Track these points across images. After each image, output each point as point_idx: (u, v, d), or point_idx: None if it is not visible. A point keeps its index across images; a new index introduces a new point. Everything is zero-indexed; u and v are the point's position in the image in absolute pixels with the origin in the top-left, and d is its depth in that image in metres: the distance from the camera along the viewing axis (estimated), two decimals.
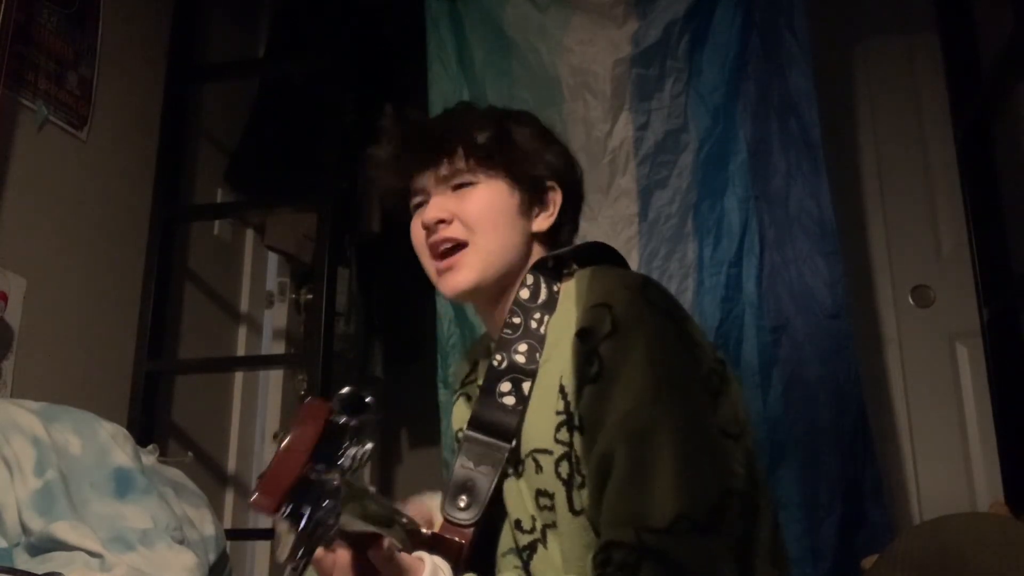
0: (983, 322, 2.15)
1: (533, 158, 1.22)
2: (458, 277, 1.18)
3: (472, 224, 1.18)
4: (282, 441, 0.76)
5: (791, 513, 1.93)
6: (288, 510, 0.73)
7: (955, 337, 2.70)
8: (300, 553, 0.73)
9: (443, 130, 1.21)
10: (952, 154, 2.33)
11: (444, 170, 1.19)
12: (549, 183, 1.23)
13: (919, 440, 2.68)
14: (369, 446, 0.79)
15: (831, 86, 2.67)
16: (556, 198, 1.24)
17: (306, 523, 0.72)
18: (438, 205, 1.18)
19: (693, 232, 2.13)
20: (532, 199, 1.22)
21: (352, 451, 0.77)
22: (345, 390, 0.80)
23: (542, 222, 1.23)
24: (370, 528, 0.89)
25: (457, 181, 1.19)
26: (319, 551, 0.96)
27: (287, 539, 0.74)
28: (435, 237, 1.18)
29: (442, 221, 1.18)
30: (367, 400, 0.79)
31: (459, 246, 1.18)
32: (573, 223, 1.29)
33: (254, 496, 0.73)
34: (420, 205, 1.22)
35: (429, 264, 1.21)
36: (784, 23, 2.20)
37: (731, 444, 1.07)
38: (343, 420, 0.78)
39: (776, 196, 2.13)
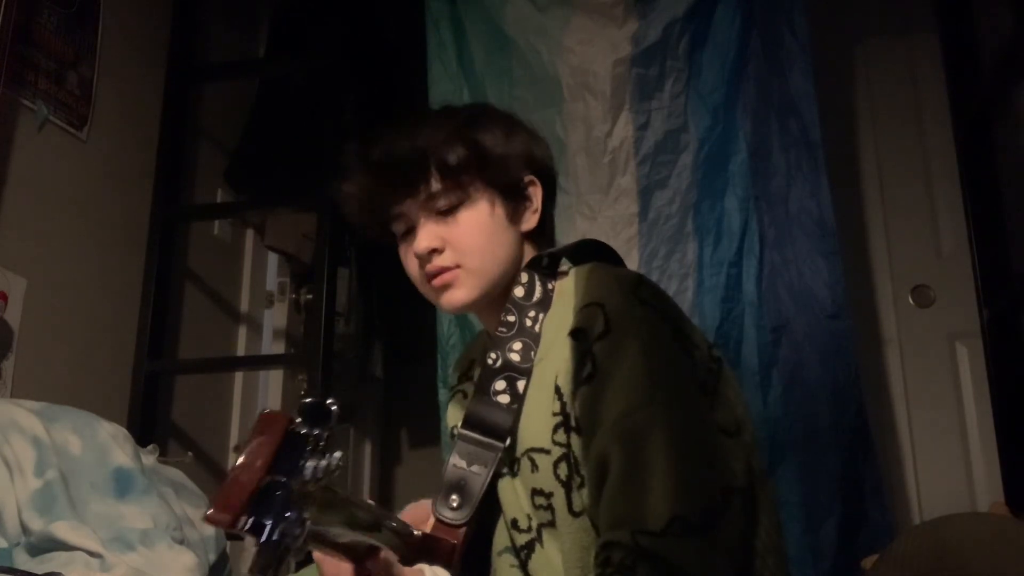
0: (983, 322, 2.16)
1: (507, 161, 1.19)
2: (456, 295, 1.17)
3: (464, 249, 1.16)
4: (240, 453, 0.75)
5: (791, 513, 1.93)
6: (249, 523, 0.72)
7: (955, 337, 2.70)
8: (264, 565, 0.72)
9: (412, 156, 1.16)
10: (952, 154, 2.33)
11: (423, 195, 1.16)
12: (527, 179, 1.21)
13: (919, 440, 2.68)
14: (338, 455, 0.78)
15: (831, 86, 2.67)
16: (537, 191, 1.22)
17: (268, 534, 0.71)
18: (428, 233, 1.16)
19: (693, 232, 2.13)
20: (517, 203, 1.20)
21: (315, 461, 0.75)
22: (308, 399, 0.79)
23: (529, 220, 1.21)
24: (357, 535, 0.89)
25: (439, 204, 1.16)
26: (319, 555, 0.96)
27: (251, 552, 0.73)
28: (430, 267, 1.16)
29: (434, 250, 1.16)
30: (331, 408, 0.78)
31: (452, 270, 1.17)
32: (553, 206, 1.27)
33: (209, 512, 0.72)
34: (406, 231, 1.19)
35: (427, 290, 1.20)
36: (784, 23, 2.20)
37: (729, 442, 1.07)
38: (304, 430, 0.77)
39: (776, 196, 2.13)
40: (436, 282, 1.17)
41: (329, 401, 0.78)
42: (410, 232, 1.18)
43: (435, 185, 1.16)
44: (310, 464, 0.74)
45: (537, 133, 1.27)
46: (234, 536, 2.61)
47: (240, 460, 0.74)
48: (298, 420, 0.77)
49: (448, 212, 1.16)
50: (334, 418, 0.77)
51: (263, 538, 0.71)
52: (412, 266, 1.20)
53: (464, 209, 1.17)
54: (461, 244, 1.16)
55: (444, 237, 1.16)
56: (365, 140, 1.22)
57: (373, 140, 1.21)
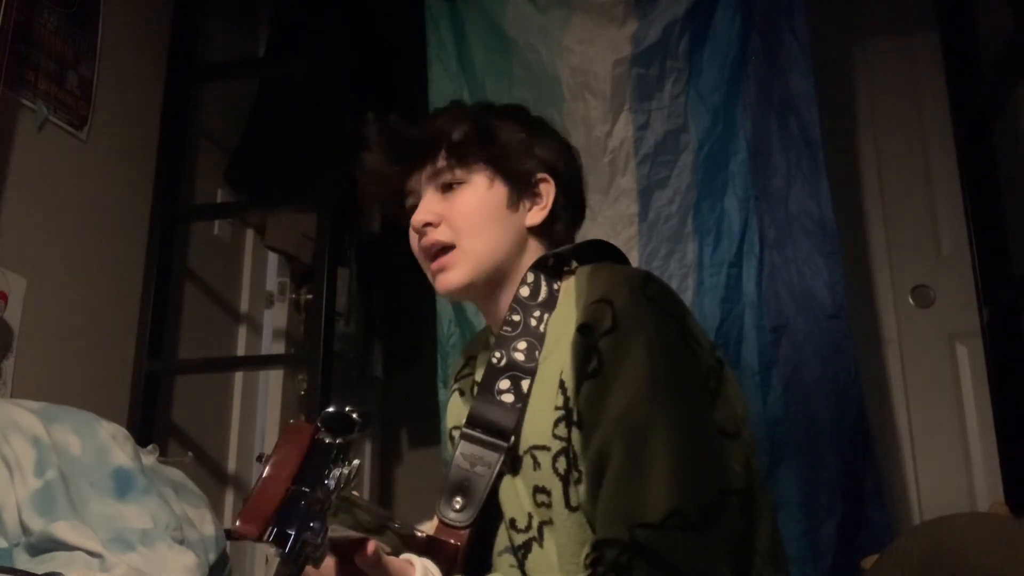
0: (983, 322, 2.16)
1: (518, 151, 1.21)
2: (449, 277, 1.18)
3: (458, 226, 1.18)
4: (266, 464, 0.76)
5: (791, 513, 1.93)
6: (273, 534, 0.72)
7: (955, 337, 2.70)
8: (286, 575, 0.72)
9: (423, 132, 1.21)
10: (952, 154, 2.33)
11: (429, 171, 1.20)
12: (539, 175, 1.22)
13: (919, 440, 2.68)
14: (356, 463, 0.78)
15: (831, 86, 2.67)
16: (549, 190, 1.23)
17: (292, 545, 0.72)
18: (426, 208, 1.19)
19: (693, 232, 2.13)
20: (520, 193, 1.21)
21: (337, 470, 0.76)
22: (331, 408, 0.79)
23: (535, 215, 1.22)
24: (359, 536, 0.89)
25: (443, 180, 1.20)
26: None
27: (274, 562, 0.74)
28: (424, 241, 1.19)
29: (429, 224, 1.18)
30: (354, 418, 0.78)
31: (448, 248, 1.18)
32: (572, 214, 1.28)
33: (236, 523, 0.72)
34: (414, 207, 1.22)
35: (426, 265, 1.22)
36: (784, 23, 2.20)
37: (729, 442, 1.07)
38: (328, 440, 0.77)
39: (776, 196, 2.13)
40: (434, 266, 1.19)
41: (349, 409, 0.78)
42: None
43: (441, 161, 1.19)
44: (334, 474, 0.75)
45: (569, 144, 1.29)
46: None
47: (267, 471, 0.75)
48: (322, 429, 0.77)
49: (450, 188, 1.19)
50: (357, 428, 0.77)
51: (287, 549, 0.71)
52: (413, 239, 1.22)
53: (464, 187, 1.20)
54: (456, 220, 1.18)
55: (441, 212, 1.19)
56: (384, 117, 1.25)
57: (393, 116, 1.25)
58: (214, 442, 2.66)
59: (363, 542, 0.90)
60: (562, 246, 1.25)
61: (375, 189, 1.26)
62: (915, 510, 2.62)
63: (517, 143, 1.21)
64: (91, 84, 2.27)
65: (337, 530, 0.84)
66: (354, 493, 0.90)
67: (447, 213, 1.18)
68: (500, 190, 1.20)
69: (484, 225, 1.19)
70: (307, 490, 0.74)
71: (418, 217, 1.19)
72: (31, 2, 2.08)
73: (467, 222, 1.18)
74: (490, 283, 1.20)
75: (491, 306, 1.23)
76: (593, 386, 1.05)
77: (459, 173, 1.19)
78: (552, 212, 1.23)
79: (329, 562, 0.94)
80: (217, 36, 2.82)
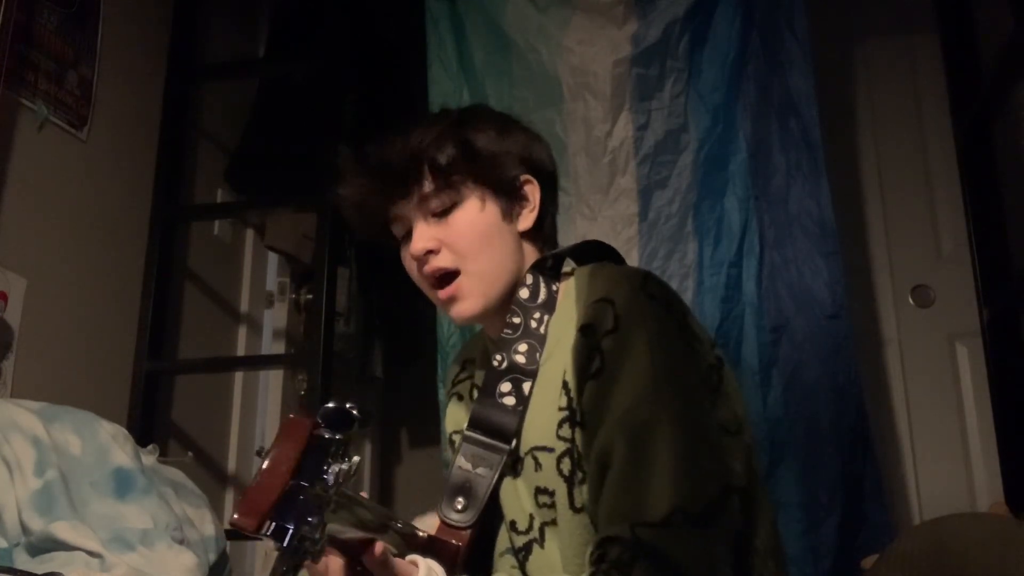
0: (983, 322, 2.16)
1: (501, 159, 1.19)
2: (463, 307, 1.17)
3: (461, 250, 1.16)
4: (265, 458, 0.76)
5: (791, 513, 1.93)
6: (271, 528, 0.72)
7: (955, 337, 2.70)
8: (284, 570, 0.72)
9: (404, 158, 1.17)
10: (952, 154, 2.33)
11: (416, 196, 1.16)
12: (523, 178, 1.21)
13: (919, 440, 2.68)
14: (356, 459, 0.78)
15: (831, 86, 2.67)
16: (534, 190, 1.22)
17: (290, 540, 0.72)
18: (423, 235, 1.16)
19: (693, 232, 2.13)
20: (511, 201, 1.20)
21: (336, 466, 0.76)
22: (330, 404, 0.79)
23: (527, 219, 1.21)
24: (363, 535, 0.89)
25: (433, 205, 1.16)
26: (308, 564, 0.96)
27: (272, 556, 0.74)
28: (427, 268, 1.17)
29: (431, 251, 1.16)
30: (353, 414, 0.79)
31: (453, 274, 1.16)
32: (554, 206, 1.26)
33: (235, 516, 0.72)
34: (405, 234, 1.19)
35: (430, 293, 1.20)
36: (784, 23, 2.20)
37: (730, 440, 1.07)
38: (327, 435, 0.78)
39: (776, 196, 2.13)
40: (443, 295, 1.17)
41: (349, 406, 0.79)
42: (409, 234, 1.19)
43: (428, 186, 1.16)
44: (332, 469, 0.75)
45: (536, 133, 1.27)
46: (242, 537, 2.62)
47: (265, 464, 0.75)
48: (321, 424, 0.78)
49: (443, 213, 1.17)
50: (355, 423, 0.77)
51: (285, 543, 0.72)
52: (412, 268, 1.20)
53: (458, 209, 1.17)
54: (457, 244, 1.16)
55: (439, 238, 1.16)
56: (359, 144, 1.23)
57: (367, 144, 1.22)
58: (214, 442, 2.66)
59: (371, 543, 0.90)
60: (550, 242, 1.25)
61: (358, 220, 1.24)
62: (915, 510, 2.62)
63: (497, 150, 1.19)
64: (91, 84, 2.27)
65: (345, 531, 0.85)
66: (362, 495, 0.90)
67: (445, 237, 1.16)
68: (493, 205, 1.18)
69: (486, 244, 1.17)
70: (305, 484, 0.74)
71: (417, 246, 1.16)
72: (31, 2, 2.08)
73: (469, 244, 1.16)
74: (501, 300, 1.18)
75: (493, 314, 1.22)
76: (596, 386, 1.05)
77: (449, 196, 1.16)
78: (541, 210, 1.22)
79: (337, 561, 0.94)
80: (217, 36, 2.82)
